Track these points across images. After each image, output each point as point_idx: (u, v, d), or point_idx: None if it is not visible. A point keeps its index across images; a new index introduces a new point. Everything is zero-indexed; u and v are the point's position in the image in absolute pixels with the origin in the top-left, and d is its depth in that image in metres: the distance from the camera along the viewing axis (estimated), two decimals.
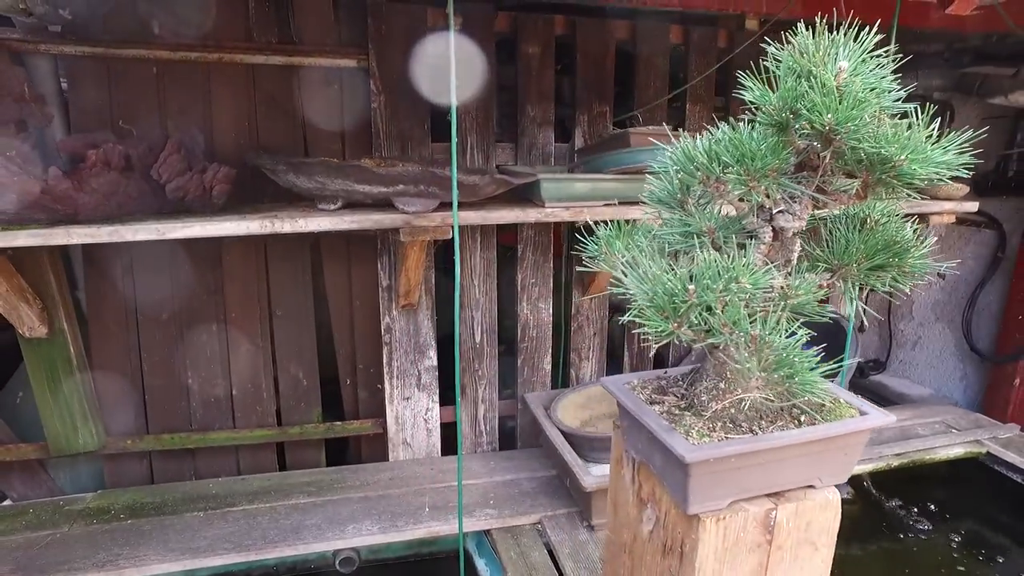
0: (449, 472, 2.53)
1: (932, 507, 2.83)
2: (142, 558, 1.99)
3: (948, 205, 2.50)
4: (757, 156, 0.79)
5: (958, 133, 0.81)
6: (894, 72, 0.84)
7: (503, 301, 2.62)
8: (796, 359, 0.78)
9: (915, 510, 2.81)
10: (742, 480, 0.96)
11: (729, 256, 0.84)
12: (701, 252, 0.80)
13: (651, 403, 1.02)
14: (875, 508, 2.81)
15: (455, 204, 1.38)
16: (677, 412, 0.99)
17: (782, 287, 0.83)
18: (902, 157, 0.75)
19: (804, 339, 0.82)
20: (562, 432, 2.32)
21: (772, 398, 1.00)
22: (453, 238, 1.45)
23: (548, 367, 2.72)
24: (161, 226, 1.79)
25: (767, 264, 0.87)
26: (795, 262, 0.90)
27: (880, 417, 1.00)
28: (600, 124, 2.56)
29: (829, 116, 0.75)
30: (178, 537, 2.10)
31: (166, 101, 2.20)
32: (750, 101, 0.84)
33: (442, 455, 2.68)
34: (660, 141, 2.04)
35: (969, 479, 2.86)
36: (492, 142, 2.46)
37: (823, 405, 1.02)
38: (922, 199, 2.54)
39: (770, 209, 0.87)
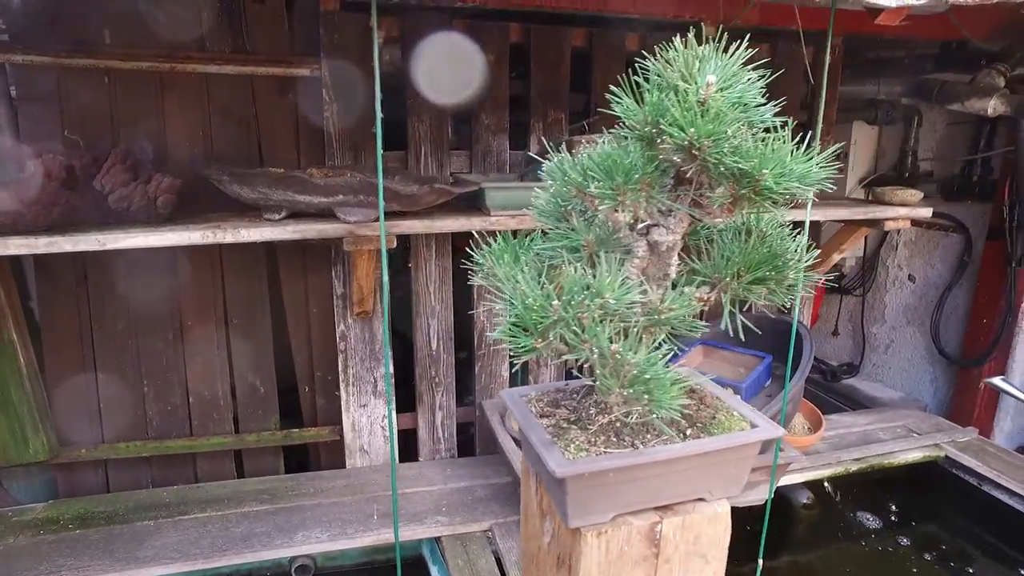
0: (406, 479, 2.54)
1: (890, 511, 2.84)
2: (84, 568, 1.99)
3: (902, 211, 2.51)
4: (623, 170, 0.80)
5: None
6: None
7: (462, 308, 2.63)
8: (652, 376, 0.78)
9: (873, 515, 2.83)
10: (625, 494, 0.96)
11: (607, 271, 0.84)
12: (567, 267, 0.81)
13: (542, 416, 1.03)
14: (834, 513, 2.82)
15: (382, 215, 1.39)
16: (564, 425, 1.00)
17: (654, 302, 0.84)
18: (764, 172, 0.76)
19: (668, 355, 0.83)
20: (514, 439, 2.33)
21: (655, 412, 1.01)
22: (381, 249, 1.46)
23: (506, 374, 2.72)
24: (102, 236, 1.79)
25: (641, 279, 0.88)
26: (673, 276, 0.91)
27: (767, 431, 1.00)
28: (556, 131, 2.57)
29: (691, 131, 0.76)
30: (124, 547, 2.10)
31: (118, 111, 2.21)
32: (619, 115, 0.85)
33: (401, 462, 2.68)
34: None
35: (927, 483, 2.87)
36: (447, 150, 2.47)
37: (713, 417, 1.03)
38: (868, 206, 2.56)
39: (646, 223, 0.87)
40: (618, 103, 0.85)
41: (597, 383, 0.80)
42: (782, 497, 2.84)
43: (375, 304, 2.45)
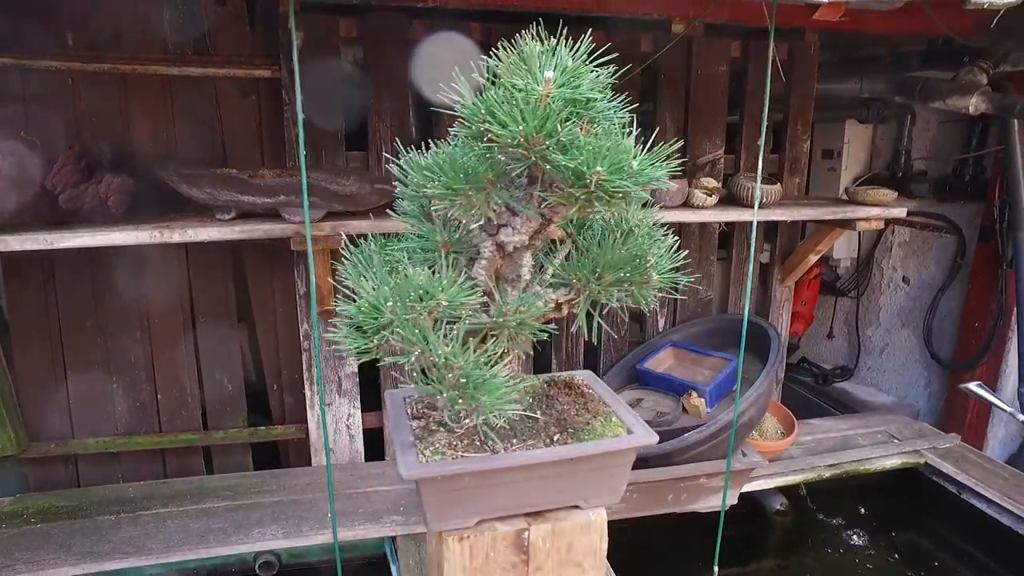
0: (369, 478, 2.54)
1: (866, 519, 2.78)
2: (40, 562, 2.03)
3: (875, 211, 2.45)
4: (461, 169, 0.78)
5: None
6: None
7: None
8: (479, 380, 0.77)
9: (849, 522, 2.76)
10: (488, 499, 0.95)
11: (445, 272, 0.83)
12: (410, 268, 0.80)
13: (416, 417, 1.02)
14: (808, 520, 2.77)
15: (307, 215, 1.39)
16: (434, 427, 0.99)
17: (498, 305, 0.83)
18: (598, 169, 0.74)
19: (509, 359, 0.82)
20: None
21: (536, 414, 1.00)
22: (307, 250, 1.46)
23: None
24: (50, 236, 1.83)
25: (493, 280, 0.87)
26: (527, 278, 0.89)
27: (640, 438, 0.98)
28: None
29: (520, 127, 0.74)
30: (83, 541, 2.13)
31: (82, 112, 2.25)
32: (459, 113, 0.84)
33: (366, 460, 2.69)
34: None
35: (906, 490, 2.80)
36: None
37: (588, 423, 1.01)
38: (839, 206, 2.50)
39: (496, 223, 0.86)
40: (459, 101, 0.83)
41: (427, 385, 0.79)
42: (754, 502, 2.79)
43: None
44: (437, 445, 0.93)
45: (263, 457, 2.79)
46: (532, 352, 2.78)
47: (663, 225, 2.60)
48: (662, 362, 2.72)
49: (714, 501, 2.30)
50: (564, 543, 1.00)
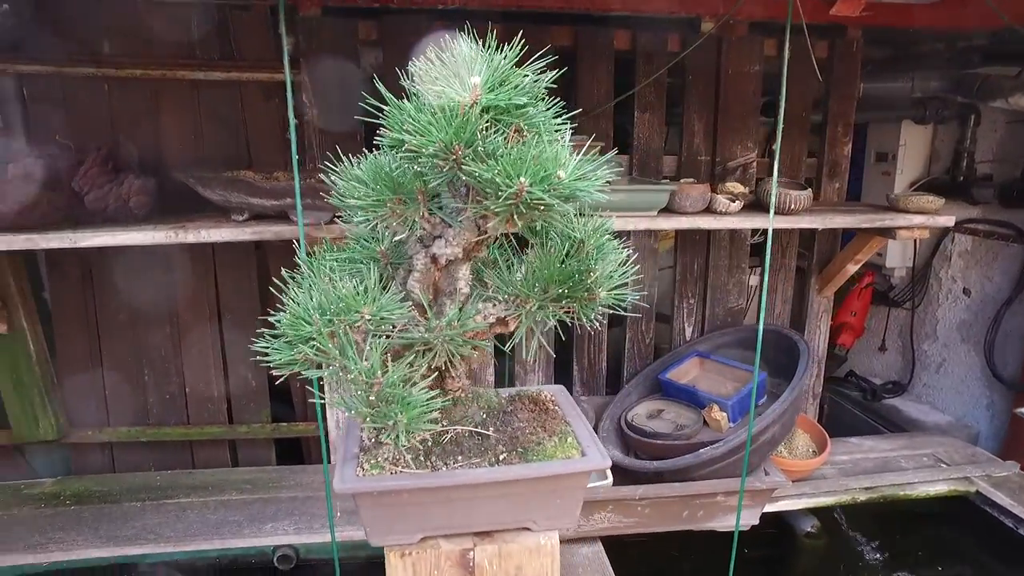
0: None
1: (907, 548, 2.59)
2: (70, 542, 2.14)
3: (918, 219, 2.28)
4: (384, 179, 0.76)
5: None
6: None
7: None
8: (395, 396, 0.74)
9: (888, 550, 2.59)
10: (430, 517, 0.92)
11: (390, 283, 0.81)
12: (340, 280, 0.78)
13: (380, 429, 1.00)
14: (841, 545, 2.61)
15: (300, 219, 1.41)
16: (384, 440, 0.96)
17: (430, 319, 0.80)
18: (522, 181, 0.70)
19: (431, 376, 0.78)
20: None
21: (488, 431, 0.96)
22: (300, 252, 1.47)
23: (492, 378, 2.69)
24: (74, 235, 1.92)
25: (429, 293, 0.84)
26: (465, 291, 0.86)
27: (593, 461, 0.93)
28: None
29: (439, 136, 0.71)
30: (109, 525, 2.23)
31: (117, 116, 2.35)
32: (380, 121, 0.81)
33: None
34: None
35: (954, 520, 2.60)
36: None
37: (539, 443, 0.96)
38: (879, 213, 2.33)
39: (432, 235, 0.83)
40: (383, 109, 0.81)
41: (346, 400, 0.77)
42: (783, 523, 2.65)
43: None
44: (380, 459, 0.91)
45: (288, 453, 2.85)
46: (554, 356, 2.74)
47: (685, 231, 2.47)
48: (686, 373, 2.62)
49: (733, 520, 2.20)
50: (512, 566, 0.96)
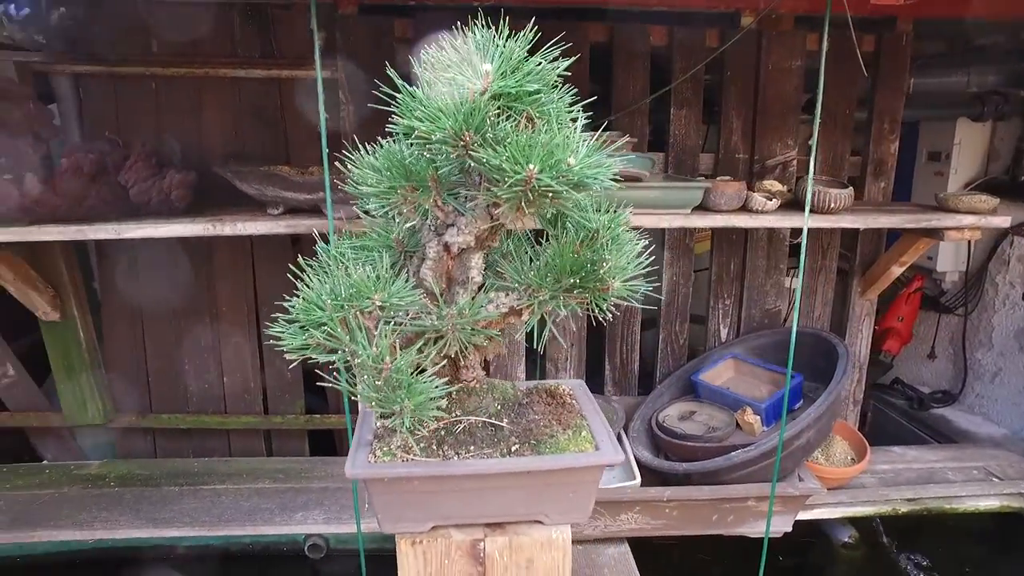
0: None
1: (952, 564, 2.48)
2: (113, 522, 2.23)
3: (968, 220, 2.18)
4: (398, 167, 0.76)
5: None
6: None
7: None
8: (401, 382, 0.74)
9: (931, 565, 2.48)
10: (441, 506, 0.93)
11: (402, 271, 0.82)
12: (345, 266, 0.79)
13: (385, 416, 1.01)
14: (881, 558, 2.51)
15: (330, 212, 1.43)
16: (393, 425, 0.97)
17: (443, 308, 0.80)
18: (531, 167, 0.70)
19: (439, 364, 0.78)
20: None
21: (502, 422, 0.96)
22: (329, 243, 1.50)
23: (522, 375, 2.69)
24: (118, 227, 1.99)
25: (442, 281, 0.84)
26: (478, 280, 0.86)
27: (606, 456, 0.92)
28: None
29: (449, 123, 0.71)
30: (149, 508, 2.31)
31: (163, 112, 2.44)
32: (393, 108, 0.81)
33: None
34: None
35: (1006, 538, 2.48)
36: None
37: (553, 436, 0.96)
38: (926, 213, 2.24)
39: (445, 223, 0.83)
40: (395, 97, 0.81)
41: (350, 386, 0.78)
42: (819, 532, 2.58)
43: None
44: (392, 446, 0.92)
45: (321, 444, 2.90)
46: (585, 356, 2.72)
47: (720, 230, 2.43)
48: (720, 374, 2.57)
49: (764, 526, 2.14)
50: (523, 558, 0.95)
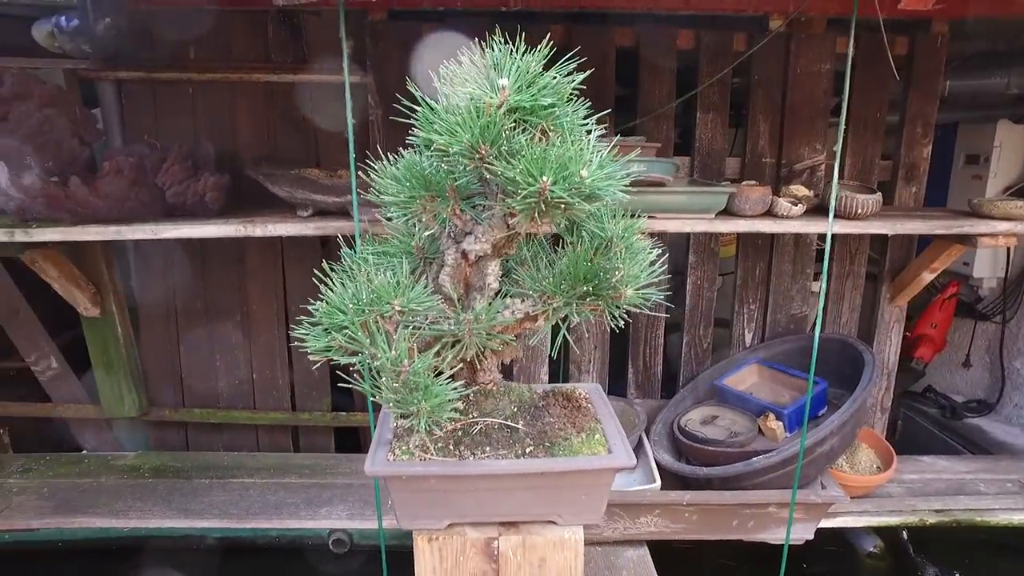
0: None
1: None
2: (147, 511, 2.31)
3: (1003, 226, 2.13)
4: (418, 177, 0.79)
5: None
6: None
7: None
8: (418, 385, 0.77)
9: None
10: (458, 504, 0.95)
11: (421, 277, 0.85)
12: (367, 271, 0.82)
13: (406, 416, 1.04)
14: (908, 570, 2.47)
15: (356, 218, 1.47)
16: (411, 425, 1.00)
17: (460, 313, 0.83)
18: (544, 179, 0.72)
19: (456, 367, 0.81)
20: None
21: (518, 424, 0.99)
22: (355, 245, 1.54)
23: (545, 377, 2.71)
24: (155, 227, 2.07)
25: (460, 288, 0.87)
26: (495, 287, 0.88)
27: (618, 459, 0.93)
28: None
29: (466, 136, 0.74)
30: (181, 499, 2.39)
31: (199, 116, 2.52)
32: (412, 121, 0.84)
33: None
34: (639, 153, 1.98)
35: None
36: None
37: (567, 438, 0.98)
38: (958, 219, 2.19)
39: (463, 231, 0.86)
40: (414, 111, 0.84)
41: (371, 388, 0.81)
42: (844, 540, 2.54)
43: None
44: (411, 445, 0.95)
45: (347, 441, 2.96)
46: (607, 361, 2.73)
47: (746, 234, 2.42)
48: (744, 379, 2.55)
49: (779, 534, 2.12)
50: (536, 557, 0.97)
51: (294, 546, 2.55)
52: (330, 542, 2.48)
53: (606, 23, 2.45)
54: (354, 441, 2.98)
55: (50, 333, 2.72)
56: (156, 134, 2.50)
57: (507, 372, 2.75)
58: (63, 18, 2.29)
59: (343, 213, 2.11)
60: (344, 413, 2.80)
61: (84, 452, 2.84)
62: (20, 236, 2.07)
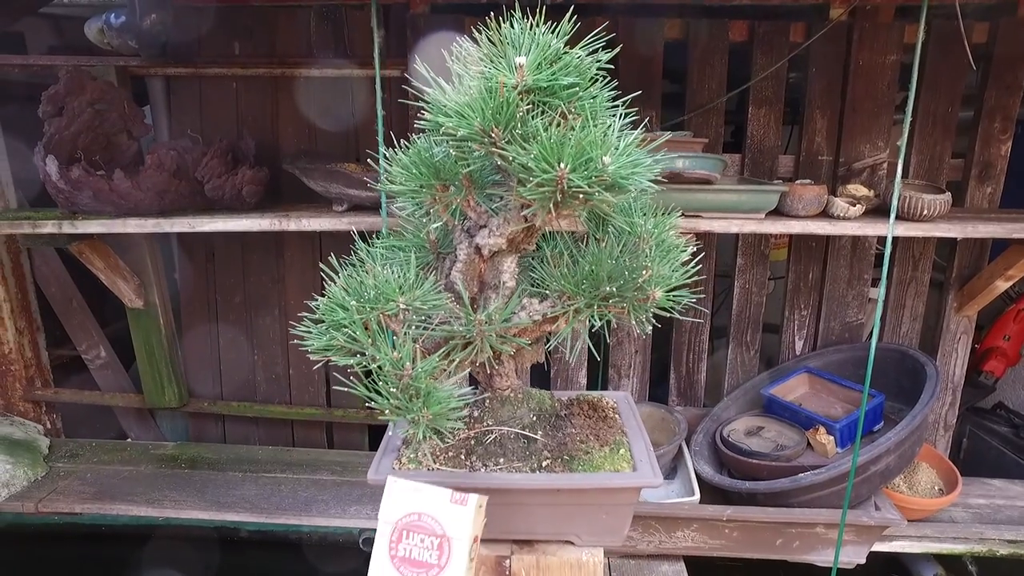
0: None
1: None
2: (182, 502, 2.34)
3: None
4: (428, 165, 0.73)
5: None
6: None
7: None
8: (419, 390, 0.71)
9: None
10: None
11: (432, 273, 0.79)
12: (371, 267, 0.77)
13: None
14: None
15: (383, 211, 1.43)
16: (431, 435, 0.94)
17: (472, 312, 0.76)
18: (562, 167, 0.65)
19: (467, 368, 0.74)
20: None
21: (536, 435, 0.92)
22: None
23: (584, 381, 2.62)
24: (193, 221, 2.08)
25: (474, 285, 0.80)
26: (511, 285, 0.81)
27: (643, 478, 0.85)
28: (647, 130, 2.40)
29: (477, 121, 0.67)
30: (214, 491, 2.41)
31: (242, 111, 2.53)
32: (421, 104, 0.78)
33: None
34: (684, 149, 1.89)
35: None
36: None
37: (588, 452, 0.90)
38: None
39: (477, 223, 0.79)
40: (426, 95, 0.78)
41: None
42: (901, 566, 2.37)
43: None
44: (419, 454, 0.89)
45: (381, 439, 2.93)
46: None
47: (799, 237, 2.27)
48: (793, 389, 2.41)
49: (833, 556, 1.98)
50: None
51: (325, 543, 2.55)
52: (360, 540, 2.45)
53: (655, 15, 2.34)
54: None
55: (99, 324, 2.80)
56: (201, 129, 2.53)
57: (543, 376, 2.67)
58: (112, 15, 2.34)
59: (377, 208, 2.07)
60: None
61: (128, 440, 2.90)
62: (67, 228, 2.12)
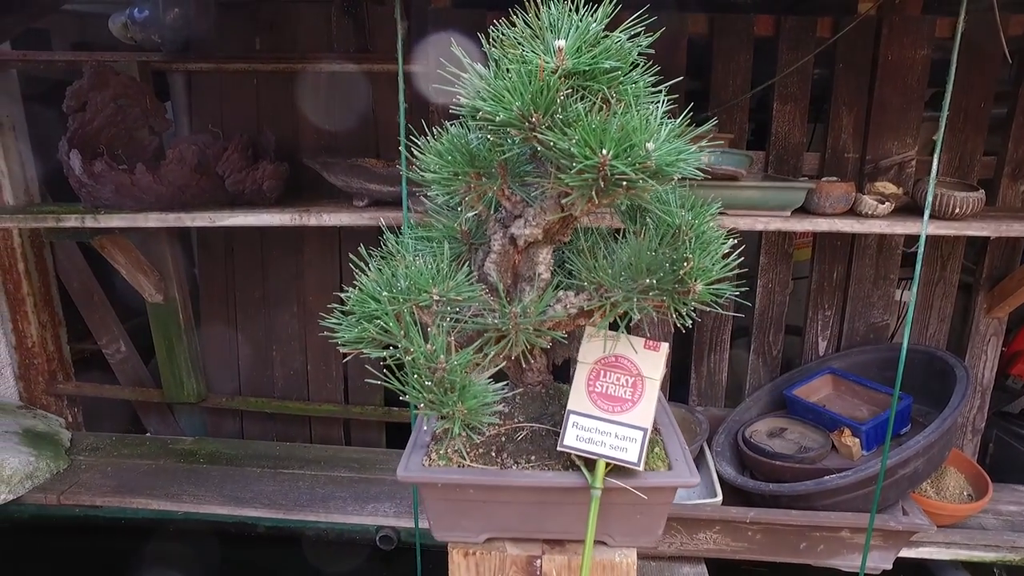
0: None
1: None
2: (200, 497, 2.34)
3: None
4: (464, 152, 0.71)
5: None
6: None
7: None
8: (454, 384, 0.69)
9: None
10: (498, 517, 0.87)
11: (465, 264, 0.77)
12: (402, 258, 0.75)
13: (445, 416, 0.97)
14: None
15: (404, 204, 1.42)
16: (460, 430, 0.93)
17: (506, 305, 0.74)
18: (604, 153, 0.63)
19: (499, 365, 0.72)
20: None
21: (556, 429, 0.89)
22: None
23: None
24: (213, 215, 2.08)
25: (509, 277, 0.78)
26: (546, 277, 0.79)
27: (680, 477, 0.83)
28: None
29: (516, 104, 0.65)
30: (233, 486, 2.41)
31: (262, 106, 2.53)
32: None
33: None
34: (709, 144, 1.86)
35: None
36: None
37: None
38: None
39: (512, 213, 0.77)
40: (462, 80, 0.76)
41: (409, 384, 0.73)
42: (926, 572, 2.32)
43: None
44: (449, 450, 0.87)
45: (399, 437, 2.93)
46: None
47: (824, 235, 2.23)
48: (816, 390, 2.37)
49: (860, 561, 1.95)
50: None
51: (342, 540, 2.53)
52: (377, 538, 2.44)
53: (679, 9, 2.31)
54: (405, 437, 2.93)
55: (119, 318, 2.81)
56: (221, 124, 2.54)
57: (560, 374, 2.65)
58: (135, 10, 2.35)
59: (399, 203, 2.06)
60: (396, 408, 2.77)
61: (148, 435, 2.92)
62: (90, 222, 2.13)
